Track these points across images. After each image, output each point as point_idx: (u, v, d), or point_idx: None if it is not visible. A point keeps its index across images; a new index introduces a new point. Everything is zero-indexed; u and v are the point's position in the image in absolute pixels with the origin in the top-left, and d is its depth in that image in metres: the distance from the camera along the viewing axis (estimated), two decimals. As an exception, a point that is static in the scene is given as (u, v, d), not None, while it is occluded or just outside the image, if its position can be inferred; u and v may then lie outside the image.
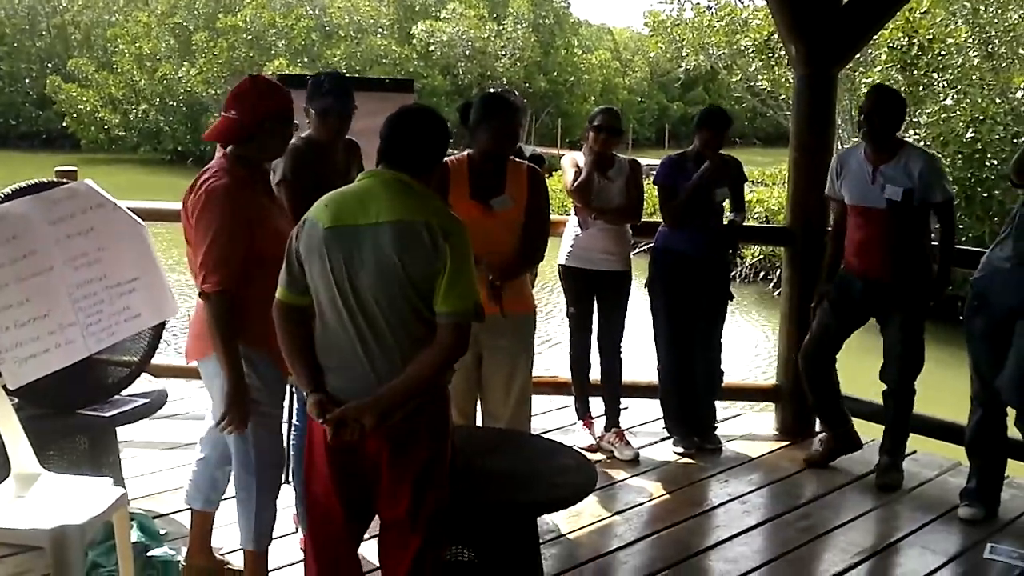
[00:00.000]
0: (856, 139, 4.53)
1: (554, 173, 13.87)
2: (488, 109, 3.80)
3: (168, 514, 4.01)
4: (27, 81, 44.22)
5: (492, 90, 4.74)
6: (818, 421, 5.11)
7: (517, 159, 4.01)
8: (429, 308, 2.57)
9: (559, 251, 4.92)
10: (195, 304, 3.29)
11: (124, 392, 3.96)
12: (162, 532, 3.69)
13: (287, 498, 3.66)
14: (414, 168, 2.66)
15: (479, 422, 4.06)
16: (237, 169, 3.12)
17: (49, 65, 43.93)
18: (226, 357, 3.04)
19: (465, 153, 3.94)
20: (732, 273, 5.43)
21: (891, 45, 15.59)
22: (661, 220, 5.01)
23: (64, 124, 40.22)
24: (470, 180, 3.85)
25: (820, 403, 4.86)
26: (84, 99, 39.21)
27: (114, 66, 40.68)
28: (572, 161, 4.88)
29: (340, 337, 2.61)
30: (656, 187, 4.96)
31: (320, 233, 2.58)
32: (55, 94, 39.85)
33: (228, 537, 3.55)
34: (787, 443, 5.21)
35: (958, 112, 14.30)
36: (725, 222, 5.05)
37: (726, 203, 5.00)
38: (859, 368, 5.26)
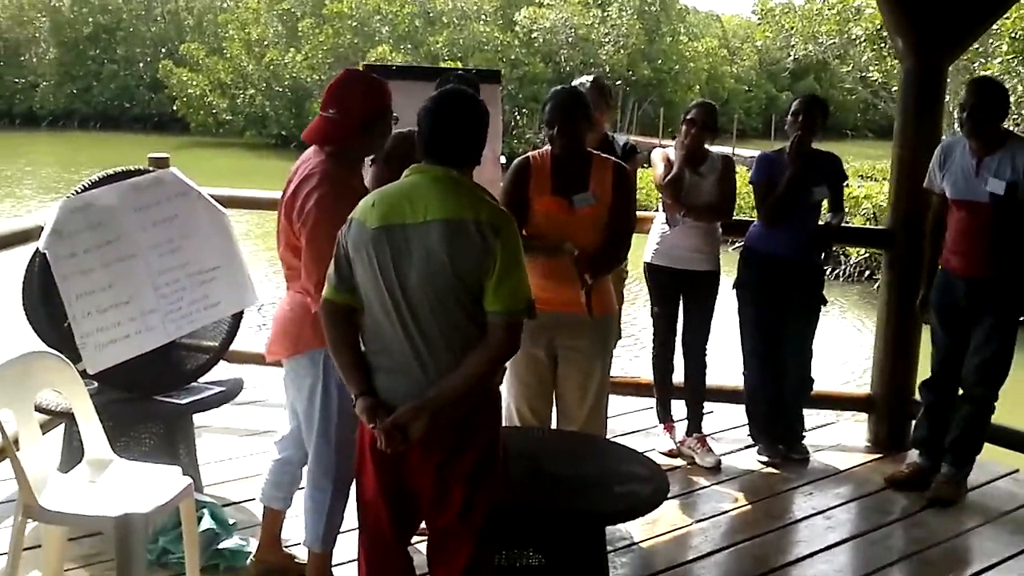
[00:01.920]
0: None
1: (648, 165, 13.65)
2: (545, 109, 3.72)
3: (240, 502, 4.02)
4: (141, 65, 45.57)
5: (584, 79, 4.59)
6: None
7: (603, 154, 3.88)
8: (480, 307, 2.49)
9: (645, 248, 4.77)
10: (280, 300, 3.28)
11: (201, 379, 3.99)
12: (232, 521, 3.70)
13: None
14: (460, 160, 2.57)
15: (554, 424, 3.97)
16: (339, 169, 3.05)
17: (163, 50, 45.25)
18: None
19: (548, 148, 3.84)
20: (836, 272, 5.18)
21: (1013, 36, 14.90)
22: (753, 218, 4.82)
23: (175, 108, 41.40)
24: (552, 175, 3.74)
25: (931, 440, 4.53)
26: (194, 83, 40.27)
27: (224, 51, 41.65)
28: (663, 156, 4.73)
29: (390, 338, 2.54)
30: (752, 185, 4.77)
31: (368, 233, 2.51)
32: (167, 78, 41.00)
33: (296, 529, 3.54)
34: (879, 456, 4.95)
35: (1081, 107, 13.63)
36: (822, 222, 4.83)
37: (825, 203, 4.78)
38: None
